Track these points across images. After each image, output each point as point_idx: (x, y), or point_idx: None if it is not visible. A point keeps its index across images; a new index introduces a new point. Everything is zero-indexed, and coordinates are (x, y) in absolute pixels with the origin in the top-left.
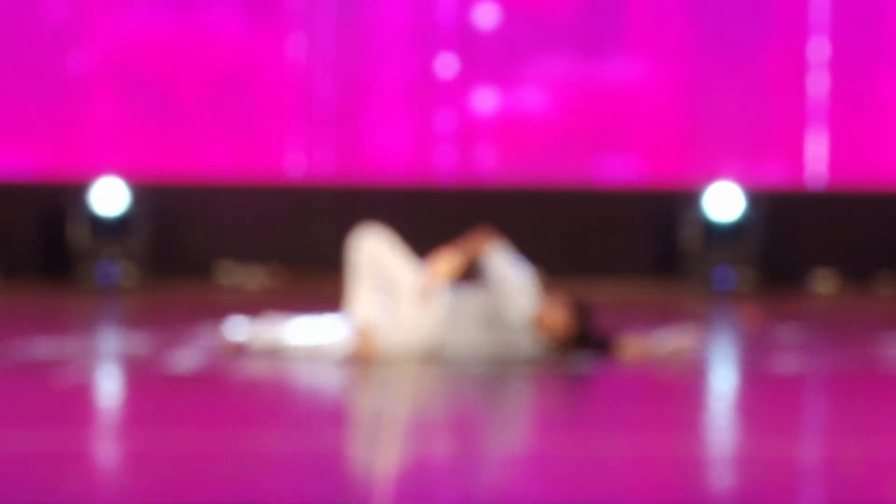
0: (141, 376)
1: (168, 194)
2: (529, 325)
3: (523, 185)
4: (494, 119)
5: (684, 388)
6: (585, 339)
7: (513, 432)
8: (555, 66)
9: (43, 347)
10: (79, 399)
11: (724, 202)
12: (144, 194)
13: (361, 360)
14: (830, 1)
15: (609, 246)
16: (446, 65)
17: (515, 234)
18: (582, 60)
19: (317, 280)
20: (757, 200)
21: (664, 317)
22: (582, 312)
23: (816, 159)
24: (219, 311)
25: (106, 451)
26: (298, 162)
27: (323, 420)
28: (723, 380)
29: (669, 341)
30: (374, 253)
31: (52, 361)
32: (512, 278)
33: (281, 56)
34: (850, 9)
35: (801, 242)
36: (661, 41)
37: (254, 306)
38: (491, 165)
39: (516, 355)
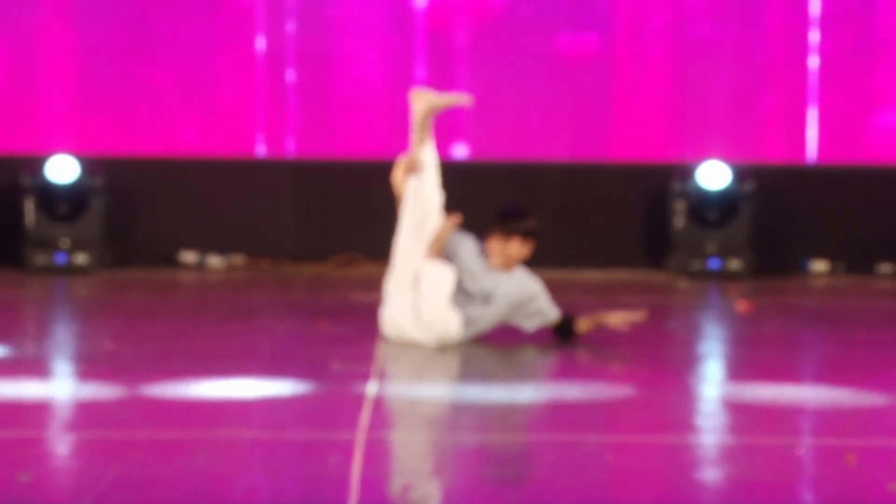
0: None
1: (126, 173)
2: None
3: (510, 160)
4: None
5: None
6: (561, 327)
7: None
8: (537, 40)
9: None
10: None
11: (716, 181)
12: (101, 172)
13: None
14: None
15: (597, 225)
16: (421, 45)
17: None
18: (567, 35)
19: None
20: (751, 178)
21: (650, 298)
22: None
23: (812, 138)
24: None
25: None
26: (265, 143)
27: None
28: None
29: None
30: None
31: None
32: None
33: (247, 34)
34: None
35: (795, 223)
36: (651, 17)
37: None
38: (472, 143)
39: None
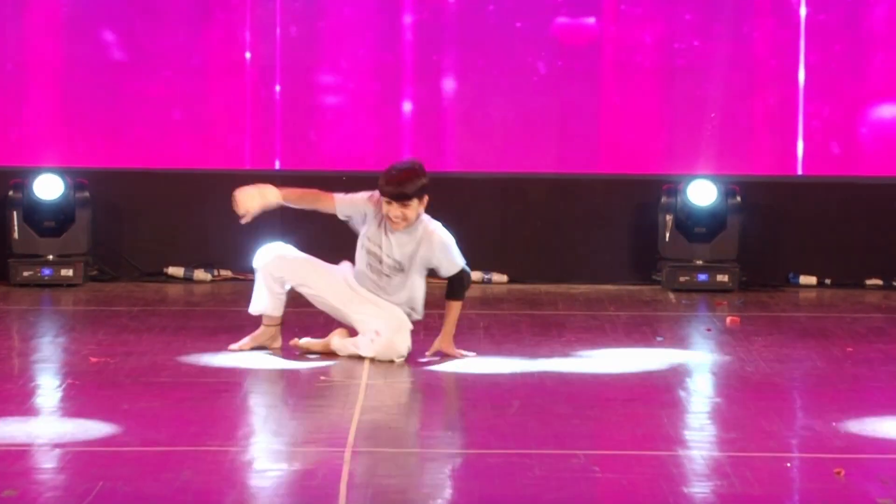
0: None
1: (113, 186)
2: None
3: (497, 173)
4: (459, 109)
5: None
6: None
7: None
8: (525, 54)
9: None
10: None
11: (704, 196)
12: (88, 185)
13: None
14: None
15: (585, 238)
16: (408, 57)
17: (485, 222)
18: (555, 49)
19: None
20: (739, 192)
21: (638, 311)
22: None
23: (800, 151)
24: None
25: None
26: (252, 156)
27: None
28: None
29: None
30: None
31: None
32: None
33: (236, 48)
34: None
35: (784, 237)
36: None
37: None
38: (458, 156)
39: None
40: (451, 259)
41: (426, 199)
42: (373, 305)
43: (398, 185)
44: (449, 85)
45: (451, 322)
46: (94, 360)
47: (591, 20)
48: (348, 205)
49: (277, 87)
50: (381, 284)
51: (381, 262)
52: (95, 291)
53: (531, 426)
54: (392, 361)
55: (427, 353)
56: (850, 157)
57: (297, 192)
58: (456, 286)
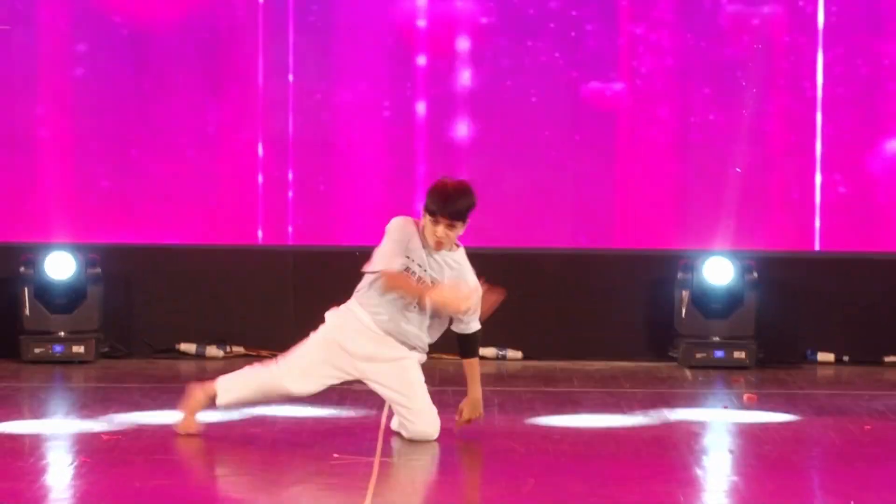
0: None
1: (124, 262)
2: None
3: (511, 248)
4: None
5: None
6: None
7: None
8: (540, 128)
9: None
10: None
11: (721, 274)
12: (99, 261)
13: None
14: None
15: (600, 314)
16: (421, 131)
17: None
18: (570, 123)
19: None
20: (755, 268)
21: (654, 388)
22: None
23: (817, 227)
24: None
25: None
26: (265, 232)
27: None
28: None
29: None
30: None
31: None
32: None
33: (249, 123)
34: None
35: (801, 313)
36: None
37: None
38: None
39: None
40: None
41: (467, 223)
42: (379, 385)
43: (455, 202)
44: (463, 158)
45: (478, 381)
46: (105, 437)
47: (608, 93)
48: (401, 253)
49: (290, 163)
50: (415, 321)
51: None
52: (107, 368)
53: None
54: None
55: (458, 425)
56: (868, 231)
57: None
58: (475, 341)
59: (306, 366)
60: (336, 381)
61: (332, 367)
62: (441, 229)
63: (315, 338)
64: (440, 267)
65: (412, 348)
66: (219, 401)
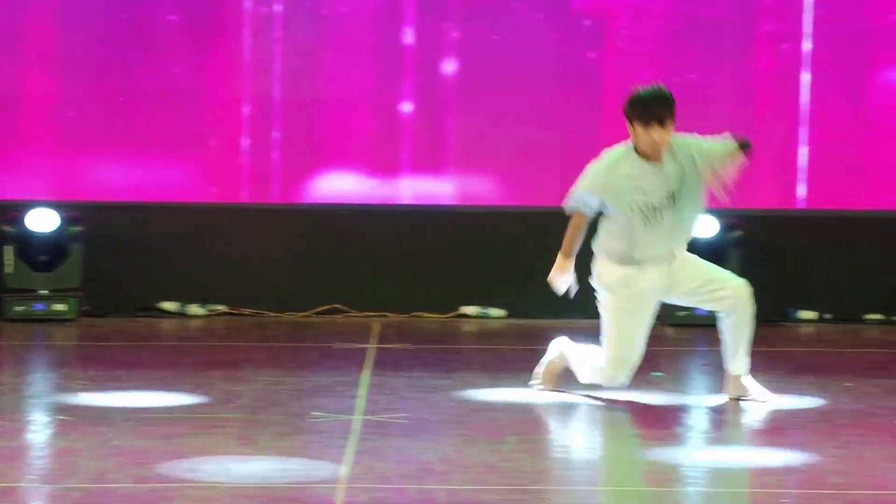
0: None
1: (107, 220)
2: None
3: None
4: (459, 143)
5: None
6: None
7: None
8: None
9: None
10: None
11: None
12: (82, 219)
13: None
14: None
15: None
16: (408, 93)
17: (484, 256)
18: (556, 82)
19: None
20: (739, 226)
21: None
22: None
23: (802, 185)
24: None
25: None
26: (248, 190)
27: None
28: None
29: None
30: None
31: None
32: None
33: (233, 81)
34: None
35: (783, 272)
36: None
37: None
38: (458, 190)
39: None
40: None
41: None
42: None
43: (668, 101)
44: (449, 120)
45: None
46: (86, 395)
47: (593, 54)
48: (592, 199)
49: (275, 121)
50: (666, 233)
51: (654, 207)
52: (88, 326)
53: (527, 462)
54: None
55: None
56: (852, 191)
57: (570, 241)
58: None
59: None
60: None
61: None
62: (660, 132)
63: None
64: (670, 172)
65: (670, 258)
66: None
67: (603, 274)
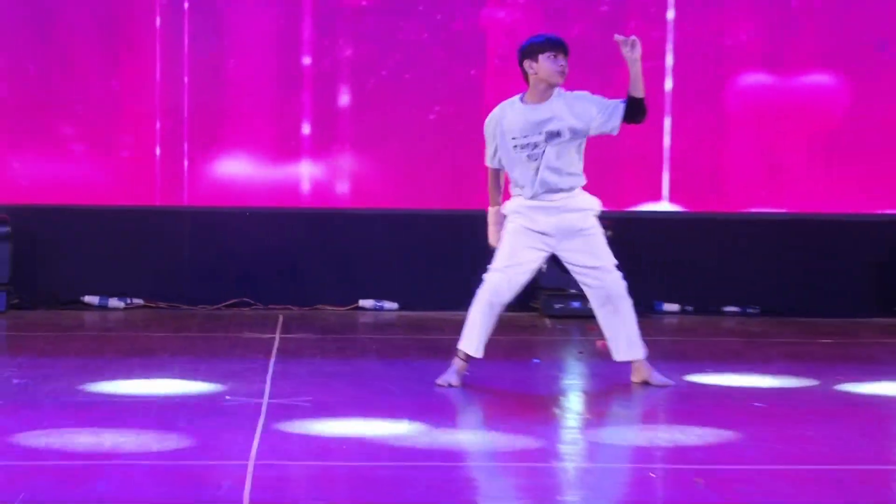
0: None
1: (32, 220)
2: None
3: (391, 209)
4: (355, 148)
5: None
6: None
7: None
8: (419, 102)
9: None
10: None
11: None
12: (9, 220)
13: None
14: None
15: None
16: (307, 104)
17: (379, 254)
18: (446, 92)
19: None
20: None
21: (518, 337)
22: None
23: (666, 189)
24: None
25: None
26: (162, 193)
27: None
28: None
29: None
30: None
31: None
32: None
33: (146, 92)
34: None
35: (650, 268)
36: None
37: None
38: (354, 193)
39: None
40: (597, 98)
41: None
42: None
43: (559, 38)
44: (345, 126)
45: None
46: (16, 381)
47: (473, 71)
48: (491, 151)
49: (185, 128)
50: (543, 164)
51: (535, 145)
52: (16, 318)
53: (421, 439)
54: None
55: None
56: (709, 195)
57: (489, 194)
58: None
59: (509, 255)
60: (536, 264)
61: (530, 248)
62: (560, 61)
63: (505, 232)
64: (545, 117)
65: (569, 189)
66: (474, 354)
67: (509, 203)
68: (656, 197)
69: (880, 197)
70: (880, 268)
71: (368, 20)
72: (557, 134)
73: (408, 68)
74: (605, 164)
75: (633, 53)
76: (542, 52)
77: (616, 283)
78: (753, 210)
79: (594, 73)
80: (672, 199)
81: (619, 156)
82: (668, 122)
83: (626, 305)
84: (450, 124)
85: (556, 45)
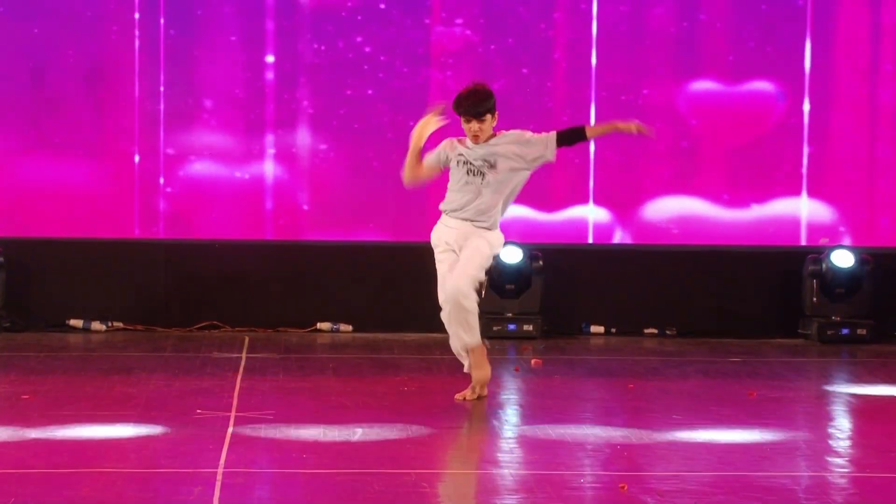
0: None
1: (22, 251)
2: None
3: (342, 241)
4: (312, 188)
5: None
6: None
7: None
8: (373, 119)
9: None
10: None
11: (510, 256)
12: (2, 252)
13: None
14: None
15: (415, 295)
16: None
17: (334, 281)
18: (401, 112)
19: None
20: (540, 257)
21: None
22: None
23: (592, 223)
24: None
25: None
26: (140, 227)
27: None
28: None
29: None
30: None
31: None
32: None
33: (125, 136)
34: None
35: (578, 294)
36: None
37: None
38: (312, 227)
39: None
40: (535, 135)
41: (497, 114)
42: None
43: (474, 104)
44: (308, 169)
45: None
46: (4, 395)
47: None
48: (434, 158)
49: (161, 168)
50: (480, 187)
51: (474, 168)
52: (8, 340)
53: (373, 448)
54: None
55: None
56: (629, 227)
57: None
58: (566, 134)
59: (444, 276)
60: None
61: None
62: (473, 125)
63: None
64: (488, 154)
65: (489, 227)
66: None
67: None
68: (584, 232)
69: (774, 234)
70: (781, 293)
71: (320, 77)
72: (492, 165)
73: (356, 120)
74: (539, 199)
75: (626, 128)
76: (457, 114)
77: (450, 290)
78: (670, 243)
79: (529, 90)
80: (596, 234)
81: (552, 188)
82: (592, 153)
83: (458, 311)
84: (393, 170)
85: (463, 112)
